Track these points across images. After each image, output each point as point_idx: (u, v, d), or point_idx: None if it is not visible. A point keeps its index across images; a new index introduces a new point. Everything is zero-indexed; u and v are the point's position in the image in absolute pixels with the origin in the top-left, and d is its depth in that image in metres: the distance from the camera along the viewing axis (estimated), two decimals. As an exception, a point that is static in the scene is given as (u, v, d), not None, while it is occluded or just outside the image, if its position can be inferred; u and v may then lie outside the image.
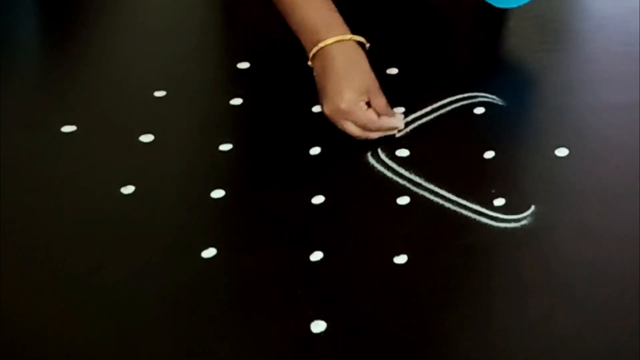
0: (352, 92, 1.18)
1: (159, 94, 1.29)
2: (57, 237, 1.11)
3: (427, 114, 1.25)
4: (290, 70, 1.34)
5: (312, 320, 0.99)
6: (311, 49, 1.21)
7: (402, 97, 1.28)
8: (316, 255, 1.06)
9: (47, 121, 1.26)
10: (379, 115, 1.20)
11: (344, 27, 1.22)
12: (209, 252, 1.07)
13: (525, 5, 1.43)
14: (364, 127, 1.19)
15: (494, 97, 1.27)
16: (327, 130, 1.23)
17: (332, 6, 1.24)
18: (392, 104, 1.25)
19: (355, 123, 1.19)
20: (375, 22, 1.41)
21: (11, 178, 1.18)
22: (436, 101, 1.26)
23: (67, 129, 1.24)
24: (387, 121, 1.20)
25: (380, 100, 1.20)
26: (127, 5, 1.49)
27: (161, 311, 1.02)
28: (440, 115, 1.25)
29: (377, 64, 1.30)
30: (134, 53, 1.39)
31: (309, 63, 1.22)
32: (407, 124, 1.23)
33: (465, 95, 1.28)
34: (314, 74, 1.22)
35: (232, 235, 1.10)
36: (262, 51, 1.37)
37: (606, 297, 1.01)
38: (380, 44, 1.35)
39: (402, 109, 1.25)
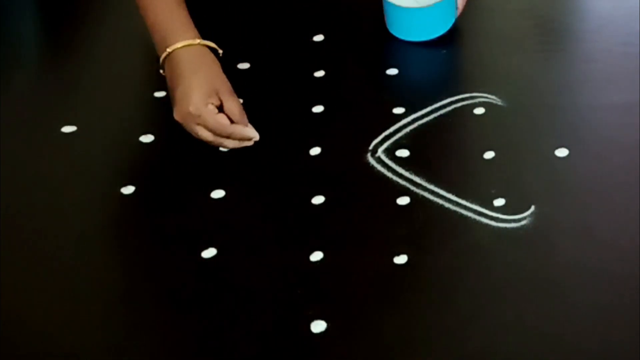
0: (200, 94, 1.16)
1: (159, 94, 1.29)
2: (57, 237, 1.11)
3: (427, 114, 1.25)
4: (290, 70, 1.34)
5: (312, 320, 0.99)
6: (161, 54, 1.21)
7: (402, 97, 1.28)
8: (316, 255, 1.06)
9: (47, 121, 1.26)
10: (232, 121, 1.18)
11: (193, 32, 1.21)
12: (209, 252, 1.07)
13: (526, 7, 1.44)
14: (215, 132, 1.17)
15: (493, 97, 1.27)
16: (327, 130, 1.23)
17: (184, 11, 1.23)
18: (392, 104, 1.25)
19: (206, 127, 1.17)
20: (375, 23, 1.41)
21: (11, 178, 1.18)
22: (436, 101, 1.26)
23: (67, 129, 1.24)
24: (239, 129, 1.18)
25: (233, 104, 1.18)
26: (127, 5, 1.48)
27: (161, 311, 1.02)
28: (440, 115, 1.25)
29: (377, 64, 1.31)
30: (134, 53, 1.39)
31: (161, 71, 1.22)
32: (407, 124, 1.23)
33: (465, 95, 1.28)
34: (166, 79, 1.21)
35: (232, 235, 1.10)
36: (262, 51, 1.37)
37: (606, 297, 1.01)
38: (380, 44, 1.36)
39: (402, 109, 1.25)
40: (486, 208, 1.11)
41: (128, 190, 1.15)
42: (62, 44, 1.43)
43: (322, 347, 0.98)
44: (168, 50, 1.20)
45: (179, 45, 1.20)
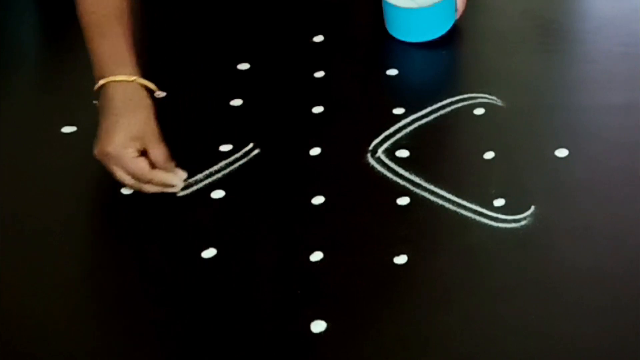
0: (122, 137, 1.11)
1: (160, 94, 1.29)
2: (57, 236, 1.11)
3: (427, 114, 1.25)
4: (290, 70, 1.34)
5: (312, 320, 0.99)
6: (96, 84, 1.16)
7: (402, 97, 1.28)
8: (316, 255, 1.06)
9: (47, 121, 1.26)
10: (154, 166, 1.13)
11: (133, 67, 1.16)
12: (209, 252, 1.07)
13: (526, 8, 1.44)
14: (134, 176, 1.12)
15: (493, 97, 1.27)
16: (327, 130, 1.23)
17: (127, 44, 1.18)
18: (392, 104, 1.25)
19: (124, 170, 1.12)
20: (375, 23, 1.41)
21: (11, 178, 1.18)
22: (436, 102, 1.26)
23: (67, 129, 1.24)
24: (160, 175, 1.13)
25: (159, 152, 1.13)
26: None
27: (161, 311, 1.02)
28: (440, 116, 1.25)
29: (377, 65, 1.31)
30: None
31: (94, 102, 1.16)
32: (407, 125, 1.23)
33: (465, 96, 1.28)
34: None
35: (232, 235, 1.10)
36: (262, 51, 1.37)
37: (606, 297, 1.01)
38: (380, 44, 1.36)
39: (402, 110, 1.25)
40: (486, 208, 1.11)
41: (128, 190, 1.15)
42: (62, 44, 1.43)
43: (322, 347, 0.98)
44: (101, 82, 1.14)
45: (113, 79, 1.14)
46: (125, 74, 1.15)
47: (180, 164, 1.18)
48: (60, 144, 1.23)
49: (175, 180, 1.14)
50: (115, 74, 1.15)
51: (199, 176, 1.17)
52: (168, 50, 1.40)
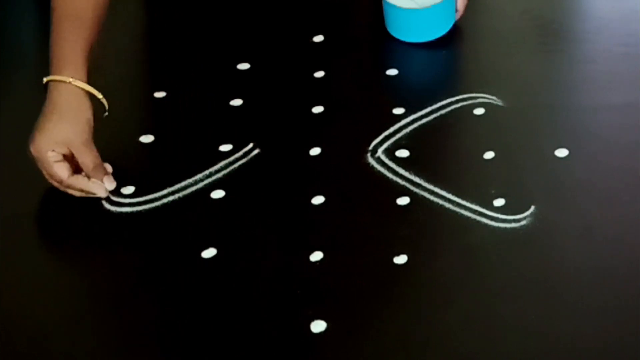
0: (46, 139, 1.10)
1: (159, 94, 1.29)
2: (57, 236, 1.11)
3: (427, 114, 1.25)
4: (290, 70, 1.34)
5: (312, 320, 0.99)
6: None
7: (402, 97, 1.28)
8: (316, 255, 1.06)
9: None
10: (81, 172, 1.12)
11: (76, 70, 1.14)
12: (209, 252, 1.07)
13: (526, 8, 1.44)
14: (54, 180, 1.12)
15: (493, 97, 1.27)
16: (327, 130, 1.23)
17: (81, 45, 1.15)
18: (392, 104, 1.25)
19: (45, 172, 1.12)
20: (375, 23, 1.41)
21: (11, 178, 1.18)
22: (436, 101, 1.26)
23: (67, 128, 1.24)
24: (80, 183, 1.12)
25: (86, 158, 1.12)
26: (127, 5, 1.49)
27: (161, 311, 1.02)
28: (440, 115, 1.25)
29: (377, 65, 1.31)
30: (134, 53, 1.39)
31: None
32: (407, 125, 1.23)
33: (465, 95, 1.28)
34: None
35: (232, 235, 1.10)
36: (262, 51, 1.37)
37: (606, 297, 1.01)
38: (380, 44, 1.36)
39: (402, 110, 1.25)
40: (486, 208, 1.11)
41: (128, 190, 1.15)
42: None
43: (322, 347, 0.97)
44: (45, 79, 1.14)
45: (54, 78, 1.13)
46: (65, 75, 1.14)
47: (180, 164, 1.18)
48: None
49: (96, 189, 1.13)
50: (56, 74, 1.14)
51: (199, 176, 1.17)
52: (168, 50, 1.40)
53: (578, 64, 1.37)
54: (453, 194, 1.13)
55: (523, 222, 1.09)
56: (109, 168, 1.15)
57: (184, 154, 1.20)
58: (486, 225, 1.09)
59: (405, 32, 1.38)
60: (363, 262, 1.06)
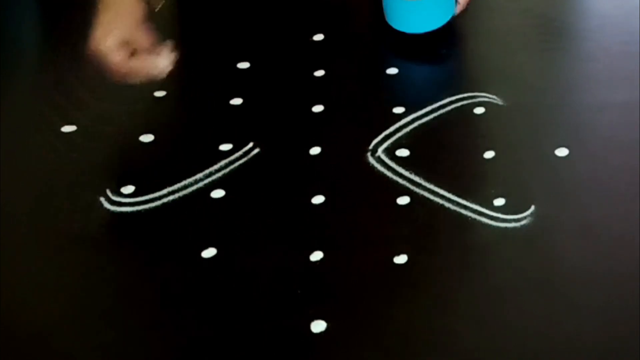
0: (102, 31, 1.15)
1: (159, 93, 1.29)
2: (57, 236, 1.11)
3: (427, 113, 1.25)
4: (290, 69, 1.34)
5: (312, 320, 0.99)
6: None
7: (402, 96, 1.28)
8: (316, 255, 1.06)
9: (47, 121, 1.26)
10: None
11: None
12: (209, 252, 1.07)
13: (527, 6, 1.44)
14: (116, 65, 1.15)
15: (494, 97, 1.27)
16: (327, 130, 1.23)
17: None
18: (392, 103, 1.25)
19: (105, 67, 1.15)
20: (374, 22, 1.41)
21: (11, 178, 1.18)
22: (436, 101, 1.26)
23: (67, 129, 1.24)
24: (141, 60, 1.16)
25: (142, 39, 1.16)
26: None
27: (161, 311, 1.02)
28: (440, 115, 1.25)
29: (377, 64, 1.31)
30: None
31: None
32: (407, 124, 1.23)
33: (466, 94, 1.28)
34: None
35: (232, 235, 1.10)
36: (262, 50, 1.37)
37: (606, 298, 1.01)
38: (380, 44, 1.36)
39: (402, 109, 1.25)
40: (486, 208, 1.11)
41: (128, 190, 1.15)
42: (62, 44, 1.42)
43: (322, 347, 0.98)
44: None
45: None
46: None
47: (180, 164, 1.18)
48: (60, 144, 1.23)
49: (159, 61, 1.17)
50: None
51: (199, 176, 1.17)
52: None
53: (579, 62, 1.37)
54: (453, 194, 1.13)
55: (524, 222, 1.09)
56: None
57: (184, 153, 1.20)
58: (486, 224, 1.09)
59: (404, 23, 1.37)
60: (363, 262, 1.06)
